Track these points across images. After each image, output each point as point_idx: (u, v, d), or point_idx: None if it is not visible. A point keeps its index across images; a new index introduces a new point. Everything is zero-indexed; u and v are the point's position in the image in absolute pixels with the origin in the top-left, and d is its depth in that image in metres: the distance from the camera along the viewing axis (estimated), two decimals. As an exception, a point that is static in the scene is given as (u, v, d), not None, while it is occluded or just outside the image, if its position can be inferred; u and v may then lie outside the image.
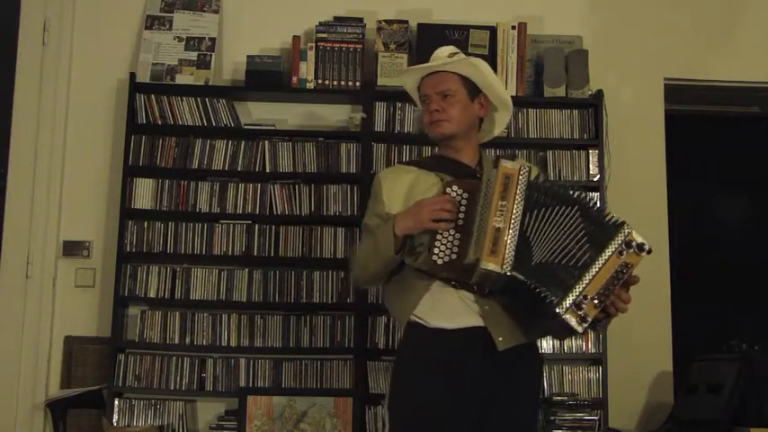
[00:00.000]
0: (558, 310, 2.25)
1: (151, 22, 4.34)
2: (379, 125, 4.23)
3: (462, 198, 2.40)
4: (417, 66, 2.69)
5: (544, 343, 4.13)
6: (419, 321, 2.48)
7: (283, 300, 4.10)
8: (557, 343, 4.13)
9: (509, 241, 2.29)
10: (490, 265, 2.28)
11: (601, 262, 2.30)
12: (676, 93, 4.64)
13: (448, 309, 2.45)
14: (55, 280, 4.21)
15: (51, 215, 4.22)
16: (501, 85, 2.68)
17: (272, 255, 4.12)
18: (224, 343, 4.06)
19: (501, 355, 2.42)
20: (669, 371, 4.29)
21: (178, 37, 4.32)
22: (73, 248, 4.23)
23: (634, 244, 2.33)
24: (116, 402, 3.98)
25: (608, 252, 2.31)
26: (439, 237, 2.38)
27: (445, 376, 2.41)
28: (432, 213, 2.37)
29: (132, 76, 4.21)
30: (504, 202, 2.32)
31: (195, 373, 4.04)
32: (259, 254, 4.12)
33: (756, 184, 5.37)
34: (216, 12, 4.38)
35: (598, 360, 4.12)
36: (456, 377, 2.41)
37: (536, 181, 2.40)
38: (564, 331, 2.34)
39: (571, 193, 2.39)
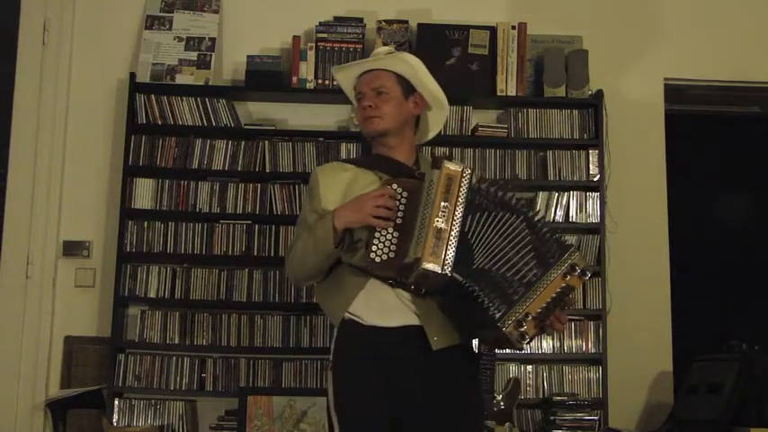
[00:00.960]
0: (499, 325, 2.25)
1: (151, 22, 4.34)
2: (379, 125, 4.22)
3: (402, 197, 2.39)
4: (350, 63, 2.70)
5: (543, 343, 4.14)
6: (354, 319, 2.46)
7: (283, 300, 4.10)
8: (557, 343, 4.14)
9: (450, 242, 2.28)
10: (430, 266, 2.27)
11: (546, 282, 2.29)
12: (676, 93, 4.64)
13: (383, 306, 2.42)
14: (55, 280, 4.21)
15: (51, 215, 4.22)
16: (434, 83, 2.67)
17: (272, 255, 4.12)
18: (224, 343, 4.07)
19: (435, 354, 2.40)
20: (669, 371, 4.29)
21: (178, 37, 4.32)
22: (73, 248, 4.23)
23: (578, 269, 2.31)
24: (116, 402, 3.98)
25: (554, 273, 2.30)
26: (377, 234, 2.36)
27: (380, 374, 2.39)
28: (373, 209, 2.35)
29: (132, 76, 4.21)
30: (446, 203, 2.31)
31: (195, 373, 4.04)
32: (259, 254, 4.12)
33: (756, 184, 5.37)
34: (216, 12, 4.38)
35: (598, 360, 4.12)
36: (390, 376, 2.39)
37: (478, 185, 2.39)
38: (496, 342, 2.36)
39: (514, 201, 2.38)
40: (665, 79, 4.53)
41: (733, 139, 5.31)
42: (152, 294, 4.09)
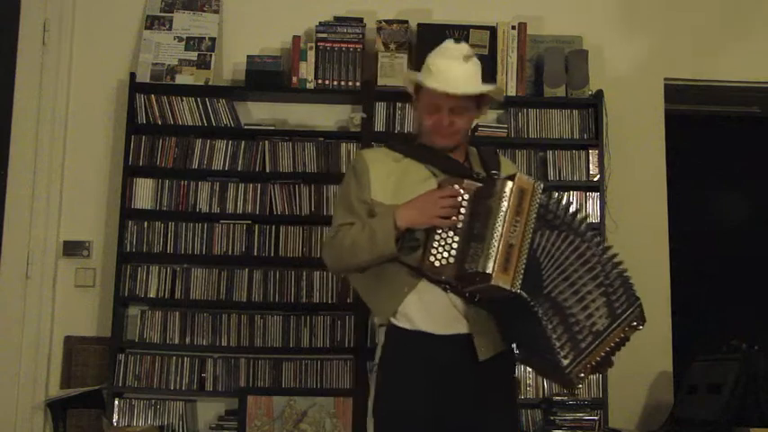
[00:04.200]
0: (567, 372, 2.26)
1: (151, 22, 4.34)
2: (379, 125, 4.22)
3: (463, 199, 2.35)
4: (444, 87, 2.45)
5: (544, 343, 4.13)
6: (402, 325, 2.42)
7: (283, 300, 4.10)
8: (557, 343, 4.13)
9: (521, 260, 2.25)
10: (500, 282, 2.22)
11: (611, 332, 2.33)
12: (676, 93, 4.64)
13: (436, 311, 2.40)
14: (55, 280, 4.20)
15: (51, 215, 4.22)
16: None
17: (272, 255, 4.12)
18: (224, 343, 4.06)
19: (481, 364, 2.40)
20: (669, 371, 4.29)
21: (178, 37, 4.32)
22: (73, 248, 4.23)
23: (641, 326, 2.39)
24: (116, 402, 3.98)
25: (620, 325, 2.35)
26: (437, 237, 2.32)
27: (426, 383, 2.38)
28: (441, 210, 2.31)
29: (132, 76, 4.21)
30: (518, 218, 2.27)
31: (195, 373, 4.04)
32: (259, 254, 4.12)
33: (756, 185, 5.37)
34: (216, 12, 4.38)
35: (598, 360, 4.12)
36: (437, 383, 2.38)
37: (548, 201, 2.35)
38: (547, 374, 2.37)
39: (584, 226, 2.37)
40: (665, 79, 4.53)
41: (733, 139, 5.31)
42: (152, 294, 4.08)
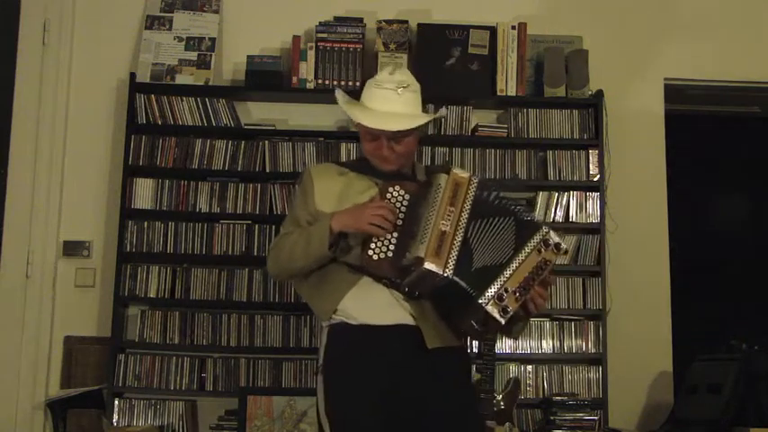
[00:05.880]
0: (480, 301, 2.29)
1: (151, 22, 4.34)
2: (379, 125, 4.22)
3: (404, 199, 2.42)
4: (379, 125, 2.47)
5: (543, 343, 4.14)
6: (343, 320, 2.44)
7: (283, 300, 4.10)
8: (557, 343, 4.14)
9: (454, 246, 2.32)
10: (432, 266, 2.28)
11: (521, 258, 2.35)
12: (676, 93, 4.64)
13: (376, 304, 2.42)
14: (55, 280, 4.20)
15: (51, 215, 4.22)
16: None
17: (272, 255, 4.12)
18: (224, 343, 4.06)
19: (431, 354, 2.40)
20: (669, 371, 4.29)
21: (178, 37, 4.32)
22: (73, 248, 4.23)
23: (552, 242, 2.37)
24: (116, 402, 3.98)
25: (527, 249, 2.36)
26: (373, 236, 2.38)
27: (374, 374, 2.38)
28: (372, 218, 2.35)
29: (132, 76, 4.21)
30: (452, 208, 2.35)
31: (195, 373, 4.04)
32: (259, 254, 4.12)
33: (756, 184, 5.37)
34: (216, 12, 4.38)
35: (598, 360, 4.12)
36: (385, 373, 2.38)
37: (482, 193, 2.42)
38: (485, 326, 2.38)
39: (510, 205, 2.43)
40: (665, 79, 4.53)
41: (733, 139, 5.31)
42: (152, 294, 4.08)
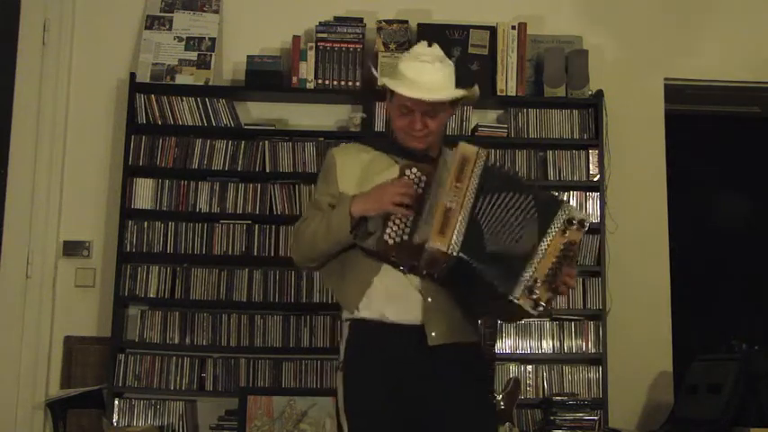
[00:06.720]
0: (511, 298, 2.24)
1: (151, 22, 4.34)
2: (379, 125, 4.22)
3: (420, 181, 2.35)
4: (417, 94, 2.43)
5: (543, 343, 4.14)
6: (365, 315, 2.42)
7: (283, 300, 4.10)
8: (557, 343, 4.14)
9: (459, 222, 2.25)
10: (437, 245, 2.23)
11: (546, 242, 2.27)
12: (676, 93, 4.64)
13: (398, 296, 2.39)
14: (55, 280, 4.20)
15: (51, 215, 4.22)
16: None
17: (272, 255, 4.12)
18: (224, 343, 4.06)
19: (435, 353, 2.37)
20: (669, 371, 4.29)
21: (178, 37, 4.32)
22: (73, 248, 4.23)
23: (575, 221, 2.28)
24: (116, 402, 3.98)
25: (552, 231, 2.28)
26: (393, 218, 2.33)
27: (390, 377, 2.37)
28: (393, 197, 2.31)
29: (132, 76, 4.21)
30: (458, 184, 2.27)
31: (195, 373, 4.04)
32: (259, 254, 4.12)
33: (756, 184, 5.37)
34: (216, 12, 4.38)
35: (598, 360, 4.12)
36: (400, 377, 2.37)
37: (493, 166, 2.35)
38: (513, 314, 2.34)
39: (524, 180, 2.37)
40: (665, 79, 4.53)
41: (733, 139, 5.31)
42: (152, 294, 4.08)
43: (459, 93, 2.49)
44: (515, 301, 2.24)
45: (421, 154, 2.50)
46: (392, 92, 2.50)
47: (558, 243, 2.27)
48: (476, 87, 2.56)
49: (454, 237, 2.24)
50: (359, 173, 2.49)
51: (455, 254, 2.24)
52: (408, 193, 2.31)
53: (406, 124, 2.48)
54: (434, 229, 2.24)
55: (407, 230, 2.31)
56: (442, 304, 2.41)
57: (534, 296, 2.24)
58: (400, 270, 2.38)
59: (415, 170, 2.36)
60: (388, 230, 2.31)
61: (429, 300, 2.40)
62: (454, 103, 2.53)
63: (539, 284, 2.24)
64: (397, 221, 2.32)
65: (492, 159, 2.37)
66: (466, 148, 2.32)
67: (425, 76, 2.46)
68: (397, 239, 2.31)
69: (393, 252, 2.32)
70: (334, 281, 2.56)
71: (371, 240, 2.37)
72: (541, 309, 2.25)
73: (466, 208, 2.27)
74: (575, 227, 2.27)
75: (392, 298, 2.40)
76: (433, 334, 2.38)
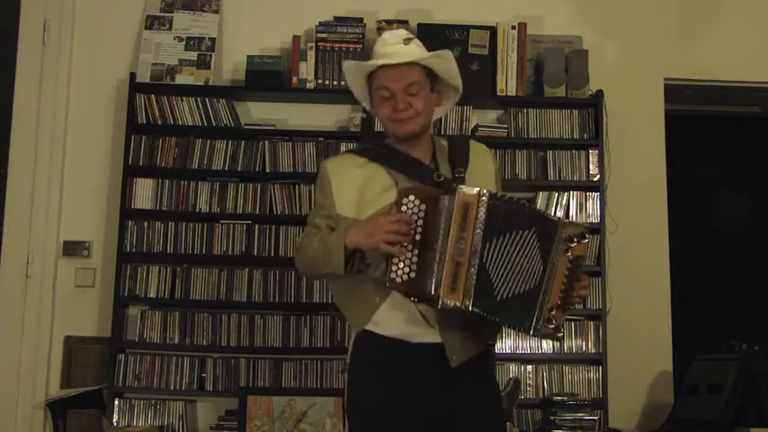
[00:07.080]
0: (533, 334, 2.26)
1: (151, 22, 4.34)
2: (379, 125, 4.20)
3: (420, 210, 2.28)
4: (380, 61, 2.42)
5: (544, 343, 4.14)
6: (374, 331, 2.40)
7: (283, 300, 4.10)
8: (557, 343, 4.13)
9: (470, 276, 2.23)
10: (450, 302, 2.24)
11: (551, 269, 2.24)
12: (676, 93, 4.64)
13: (406, 318, 2.37)
14: (55, 280, 4.20)
15: (51, 215, 4.22)
16: (458, 71, 2.54)
17: (272, 255, 4.12)
18: (224, 343, 4.06)
19: (452, 372, 2.35)
20: (669, 371, 4.29)
21: (178, 37, 4.32)
22: (73, 248, 4.23)
23: (575, 236, 2.24)
24: (116, 402, 3.98)
25: (556, 259, 2.24)
26: (393, 258, 2.29)
27: (398, 391, 2.36)
28: (386, 235, 2.23)
29: (132, 76, 4.21)
30: (463, 234, 2.23)
31: (195, 373, 4.04)
32: (259, 254, 4.12)
33: (756, 184, 5.37)
34: (216, 12, 4.38)
35: (598, 360, 4.12)
36: (409, 393, 2.36)
37: (494, 204, 2.26)
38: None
39: (525, 212, 2.29)
40: (665, 79, 4.53)
41: (733, 139, 5.31)
42: (152, 294, 4.08)
43: (426, 54, 2.43)
44: (538, 336, 2.28)
45: (412, 135, 2.44)
46: (371, 86, 2.48)
47: (563, 265, 2.25)
48: (447, 51, 2.48)
49: (468, 292, 2.24)
50: (356, 192, 2.43)
51: (469, 309, 2.25)
52: (402, 230, 2.25)
53: (390, 110, 2.43)
54: (445, 287, 2.24)
55: (413, 266, 2.27)
56: (457, 321, 2.36)
57: (552, 325, 2.24)
58: (412, 301, 2.33)
59: (412, 197, 2.29)
60: (393, 268, 2.27)
61: (444, 320, 2.36)
62: (434, 86, 2.47)
63: (554, 312, 2.24)
64: (399, 263, 2.28)
65: (490, 195, 2.27)
66: (466, 195, 2.25)
67: (388, 48, 2.44)
68: (405, 277, 2.28)
69: (403, 288, 2.30)
70: (338, 289, 2.53)
71: (379, 272, 2.34)
72: (561, 333, 2.27)
73: (474, 259, 2.24)
74: (575, 244, 2.25)
75: (404, 320, 2.38)
76: (454, 357, 2.35)
